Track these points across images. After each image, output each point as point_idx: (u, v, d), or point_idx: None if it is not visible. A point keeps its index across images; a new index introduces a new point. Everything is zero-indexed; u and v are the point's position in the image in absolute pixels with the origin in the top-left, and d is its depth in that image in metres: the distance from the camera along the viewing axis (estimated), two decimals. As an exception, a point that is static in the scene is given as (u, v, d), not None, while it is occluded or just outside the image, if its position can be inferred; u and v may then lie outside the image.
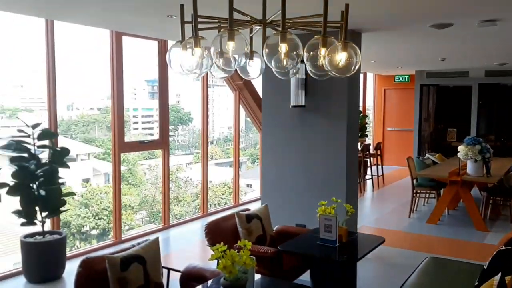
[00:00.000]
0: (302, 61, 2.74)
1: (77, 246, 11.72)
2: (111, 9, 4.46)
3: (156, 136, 6.66)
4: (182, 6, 3.26)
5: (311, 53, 2.85)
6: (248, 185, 14.71)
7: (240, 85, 7.75)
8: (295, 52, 2.67)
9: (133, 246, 3.38)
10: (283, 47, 2.61)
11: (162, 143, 6.51)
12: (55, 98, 5.14)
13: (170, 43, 6.42)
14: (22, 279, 4.66)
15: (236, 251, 2.74)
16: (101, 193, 17.36)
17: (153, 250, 3.37)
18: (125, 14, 4.73)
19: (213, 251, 2.76)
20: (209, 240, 4.09)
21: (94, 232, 17.18)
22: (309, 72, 3.10)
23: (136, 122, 15.21)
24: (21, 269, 4.76)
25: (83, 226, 15.29)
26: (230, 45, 2.58)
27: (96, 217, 17.11)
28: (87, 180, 15.38)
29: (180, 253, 5.71)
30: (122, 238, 5.97)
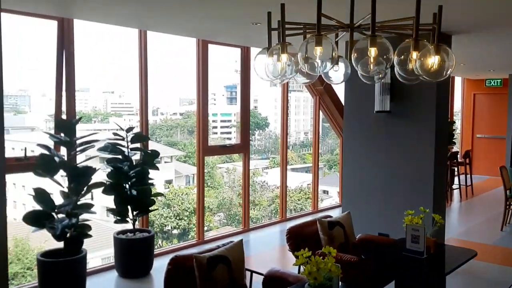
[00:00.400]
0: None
1: (159, 244, 12.24)
2: (198, 19, 4.65)
3: (234, 141, 6.82)
4: (269, 13, 3.32)
5: (401, 56, 2.77)
6: (324, 192, 14.51)
7: (320, 90, 7.70)
8: (385, 56, 2.61)
9: (218, 247, 3.48)
10: (372, 51, 2.56)
11: (243, 148, 6.65)
12: (147, 104, 5.45)
13: (253, 49, 6.55)
14: (114, 273, 4.98)
15: (321, 257, 2.72)
16: (182, 195, 18.06)
17: (238, 251, 3.45)
18: (212, 23, 4.91)
19: (297, 256, 2.76)
20: (290, 245, 4.10)
21: (175, 231, 17.89)
22: (397, 76, 3.01)
23: (215, 127, 15.64)
24: (113, 263, 5.08)
25: (165, 226, 15.99)
26: (318, 51, 2.58)
27: (177, 217, 17.81)
28: (169, 182, 16.06)
29: (260, 256, 5.78)
30: (205, 239, 6.16)
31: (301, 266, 2.78)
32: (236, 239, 3.75)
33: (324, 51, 2.57)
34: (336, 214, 5.96)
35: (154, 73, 5.78)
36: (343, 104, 6.04)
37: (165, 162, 13.84)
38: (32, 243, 11.60)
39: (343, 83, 5.69)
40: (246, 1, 3.93)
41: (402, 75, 2.91)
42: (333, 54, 2.61)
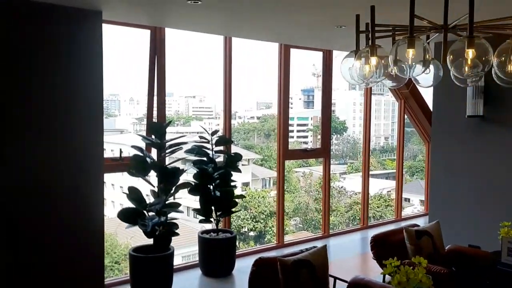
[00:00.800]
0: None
1: (236, 246, 12.38)
2: (283, 24, 4.70)
3: (310, 145, 6.77)
4: (357, 16, 3.27)
5: (501, 58, 2.62)
6: (406, 199, 13.92)
7: (406, 93, 7.43)
8: (483, 58, 2.48)
9: (302, 251, 3.48)
10: (470, 53, 2.45)
11: (324, 152, 6.59)
12: (230, 108, 5.60)
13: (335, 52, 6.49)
14: (198, 272, 5.15)
15: (411, 268, 2.64)
16: (258, 197, 18.28)
17: (321, 257, 3.43)
18: (296, 28, 4.94)
19: (383, 265, 2.69)
20: (375, 254, 4.00)
21: (251, 233, 18.14)
22: (495, 79, 2.84)
23: (291, 131, 15.64)
24: (197, 262, 5.27)
25: (242, 227, 16.26)
26: (410, 53, 2.51)
27: (254, 220, 18.05)
28: (246, 184, 16.31)
29: (342, 263, 5.68)
30: (284, 242, 6.18)
31: (388, 275, 2.71)
32: (315, 244, 3.75)
33: (416, 54, 2.50)
34: (421, 223, 5.71)
35: (234, 78, 5.88)
36: (430, 108, 5.78)
37: (243, 165, 14.09)
38: (119, 238, 12.35)
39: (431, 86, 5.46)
40: (332, 5, 3.91)
41: (501, 77, 2.75)
42: (426, 56, 2.53)
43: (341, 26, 4.67)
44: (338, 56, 6.59)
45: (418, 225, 4.28)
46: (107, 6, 3.90)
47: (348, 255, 6.09)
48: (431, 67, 2.89)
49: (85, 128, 4.06)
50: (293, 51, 6.01)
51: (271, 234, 16.99)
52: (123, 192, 4.54)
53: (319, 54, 6.45)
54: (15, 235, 3.73)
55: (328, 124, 6.61)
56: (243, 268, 5.21)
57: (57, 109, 3.91)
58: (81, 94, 4.05)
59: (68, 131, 3.97)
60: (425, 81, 3.10)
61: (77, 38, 3.98)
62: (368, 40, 3.21)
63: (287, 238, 6.39)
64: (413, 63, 2.54)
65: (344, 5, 3.88)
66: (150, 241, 4.56)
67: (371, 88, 7.15)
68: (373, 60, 3.01)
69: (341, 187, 18.47)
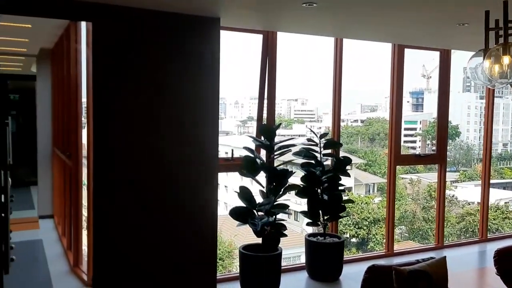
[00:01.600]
0: None
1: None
2: (399, 23, 4.53)
3: (418, 150, 6.40)
4: (487, 12, 3.06)
5: None
6: (528, 211, 12.63)
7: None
8: None
9: (418, 261, 3.31)
10: None
11: (439, 158, 6.21)
12: (340, 111, 5.52)
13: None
14: (304, 274, 5.15)
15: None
16: (362, 203, 17.80)
17: (441, 269, 3.22)
18: (413, 27, 4.73)
19: (508, 281, 2.45)
20: (499, 269, 3.68)
21: (353, 240, 17.73)
22: None
23: (398, 135, 14.95)
24: (303, 264, 5.27)
25: (344, 233, 15.96)
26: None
27: (356, 226, 17.62)
28: (349, 189, 15.99)
29: (460, 277, 5.29)
30: (394, 251, 5.93)
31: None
32: (427, 255, 3.55)
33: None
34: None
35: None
36: None
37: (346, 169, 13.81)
38: (223, 236, 12.81)
39: None
40: (456, 1, 3.68)
41: None
42: None
43: (463, 23, 4.37)
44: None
45: (553, 242, 3.84)
46: (226, 13, 4.08)
47: (466, 268, 5.66)
48: None
49: (205, 129, 4.30)
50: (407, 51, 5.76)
51: (374, 241, 16.42)
52: (234, 191, 4.70)
53: (430, 55, 6.11)
54: (147, 217, 4.12)
55: (444, 128, 6.22)
56: (350, 274, 5.10)
57: (183, 112, 4.21)
58: (201, 97, 4.28)
59: (192, 131, 4.25)
60: None
61: (199, 45, 4.21)
62: (498, 38, 2.98)
63: (395, 247, 6.12)
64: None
65: (469, 1, 3.63)
66: (255, 239, 4.66)
67: (493, 90, 6.59)
68: (506, 59, 2.80)
69: (452, 196, 17.26)
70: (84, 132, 4.70)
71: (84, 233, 5.03)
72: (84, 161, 4.81)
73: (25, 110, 10.55)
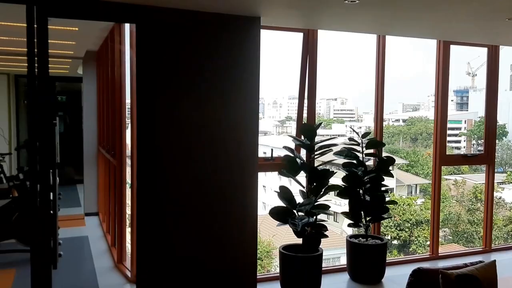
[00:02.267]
0: None
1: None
2: (445, 18, 4.37)
3: (463, 150, 6.14)
4: (543, 4, 2.89)
5: None
6: None
7: None
8: None
9: (466, 265, 3.19)
10: None
11: (487, 158, 5.96)
12: (382, 110, 5.40)
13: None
14: (346, 276, 5.07)
15: None
16: (404, 205, 17.37)
17: (490, 274, 3.09)
18: (459, 22, 4.56)
19: None
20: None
21: (395, 242, 17.34)
22: None
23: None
24: (343, 266, 5.18)
25: (384, 235, 15.63)
26: None
27: (398, 228, 17.21)
28: (390, 190, 15.63)
29: (508, 282, 5.07)
30: (439, 254, 5.74)
31: None
32: (474, 258, 3.45)
33: None
34: None
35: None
36: None
37: (387, 169, 13.57)
38: (262, 235, 12.81)
39: None
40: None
41: None
42: None
43: (514, 18, 4.17)
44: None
45: None
46: (267, 12, 4.06)
47: (514, 273, 5.41)
48: None
49: (245, 129, 4.31)
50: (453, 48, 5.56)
51: (416, 244, 16.00)
52: (274, 191, 4.67)
53: (475, 51, 5.89)
54: (189, 216, 4.19)
55: (493, 128, 5.96)
56: (393, 277, 4.98)
57: (224, 112, 4.23)
58: (241, 96, 4.29)
59: (233, 131, 4.27)
60: None
61: (239, 44, 4.22)
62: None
63: (440, 250, 5.92)
64: None
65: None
66: (294, 239, 4.62)
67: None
68: None
69: (499, 198, 16.58)
70: (128, 132, 4.81)
71: (128, 230, 5.16)
72: (128, 161, 4.92)
73: (72, 111, 10.95)
